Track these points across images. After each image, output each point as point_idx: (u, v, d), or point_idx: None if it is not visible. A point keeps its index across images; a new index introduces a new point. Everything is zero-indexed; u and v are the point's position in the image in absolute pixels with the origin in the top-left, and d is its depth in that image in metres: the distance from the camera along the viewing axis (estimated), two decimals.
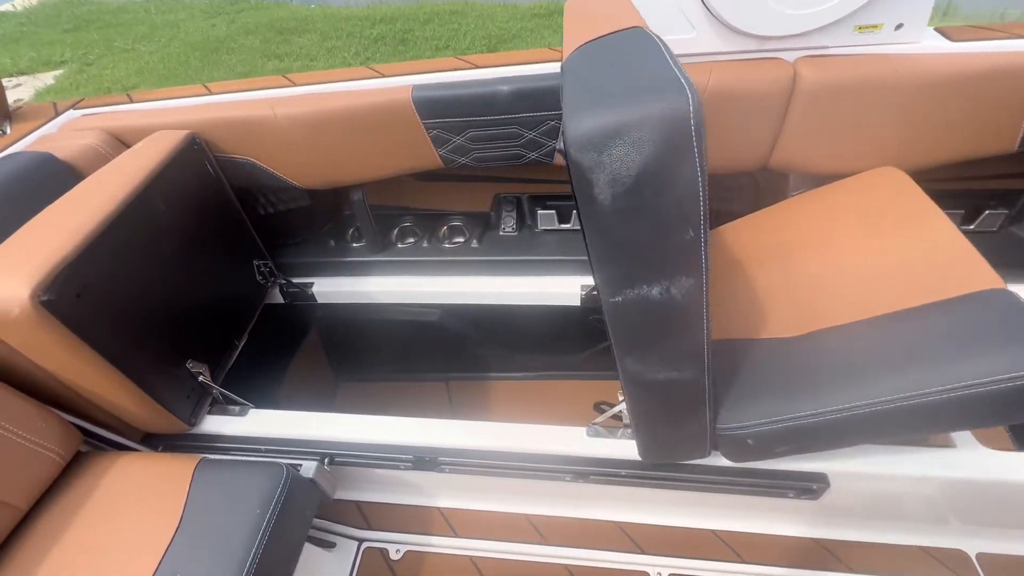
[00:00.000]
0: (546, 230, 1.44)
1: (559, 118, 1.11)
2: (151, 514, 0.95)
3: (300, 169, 1.27)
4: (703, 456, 0.94)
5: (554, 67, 1.12)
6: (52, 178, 1.10)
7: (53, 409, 1.01)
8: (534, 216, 1.45)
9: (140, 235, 1.02)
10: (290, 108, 1.18)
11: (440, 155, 1.22)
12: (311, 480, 1.07)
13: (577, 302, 1.39)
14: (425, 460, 1.12)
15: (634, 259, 0.61)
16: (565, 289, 1.38)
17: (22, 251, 0.86)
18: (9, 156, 1.12)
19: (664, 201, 0.56)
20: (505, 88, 1.09)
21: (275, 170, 1.28)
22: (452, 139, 1.19)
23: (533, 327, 1.53)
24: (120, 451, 1.13)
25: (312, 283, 1.52)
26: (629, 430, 1.03)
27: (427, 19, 5.42)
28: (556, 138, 1.15)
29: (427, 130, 1.18)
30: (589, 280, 1.37)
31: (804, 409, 0.81)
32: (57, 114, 1.30)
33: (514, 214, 1.46)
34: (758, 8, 1.02)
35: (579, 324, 1.48)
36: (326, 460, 1.16)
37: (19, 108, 1.33)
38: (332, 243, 1.53)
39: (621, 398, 0.98)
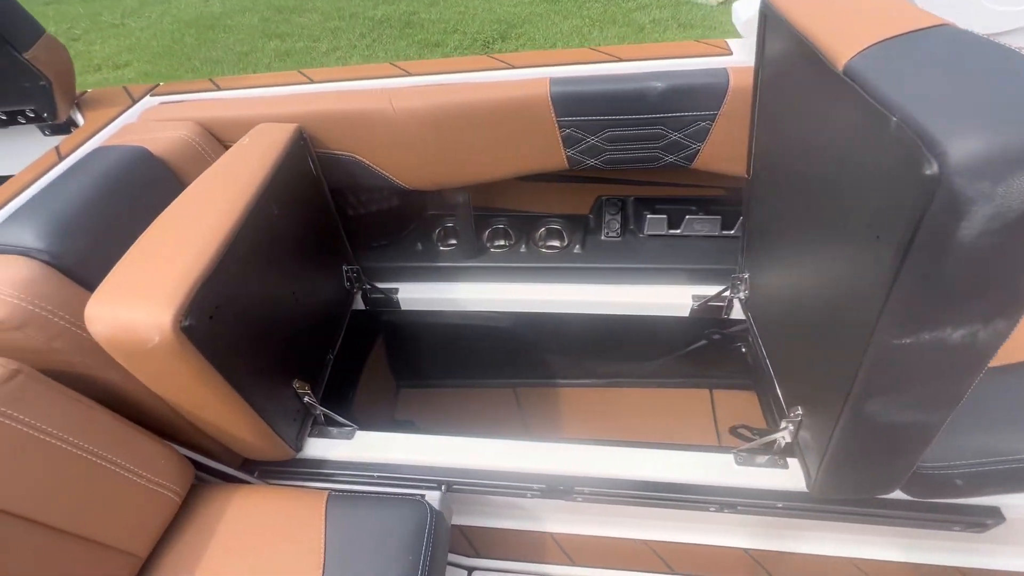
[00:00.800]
0: (653, 235, 1.37)
1: (712, 119, 1.04)
2: (289, 558, 0.86)
3: (409, 168, 1.17)
4: (888, 492, 0.90)
5: (708, 63, 1.05)
6: (150, 175, 0.98)
7: (167, 442, 0.91)
8: (639, 220, 1.38)
9: (260, 245, 0.91)
10: (410, 100, 1.07)
11: (568, 156, 1.14)
12: (440, 513, 0.99)
13: (686, 313, 1.33)
14: (558, 489, 1.05)
15: (959, 300, 0.54)
16: (673, 299, 1.32)
17: (154, 271, 0.76)
18: (103, 150, 0.98)
19: None
20: (659, 85, 1.02)
21: (380, 168, 1.17)
22: (586, 139, 1.10)
23: (633, 337, 1.47)
24: (232, 483, 1.02)
25: (397, 289, 1.42)
26: (781, 458, 0.98)
27: (432, 1, 5.21)
28: (703, 140, 1.08)
29: (560, 128, 1.09)
30: (700, 290, 1.31)
31: None
32: (133, 101, 1.15)
33: (618, 218, 1.39)
34: None
35: (686, 336, 1.42)
36: (443, 487, 1.08)
37: (83, 94, 1.17)
38: (419, 246, 1.43)
39: (785, 425, 0.93)
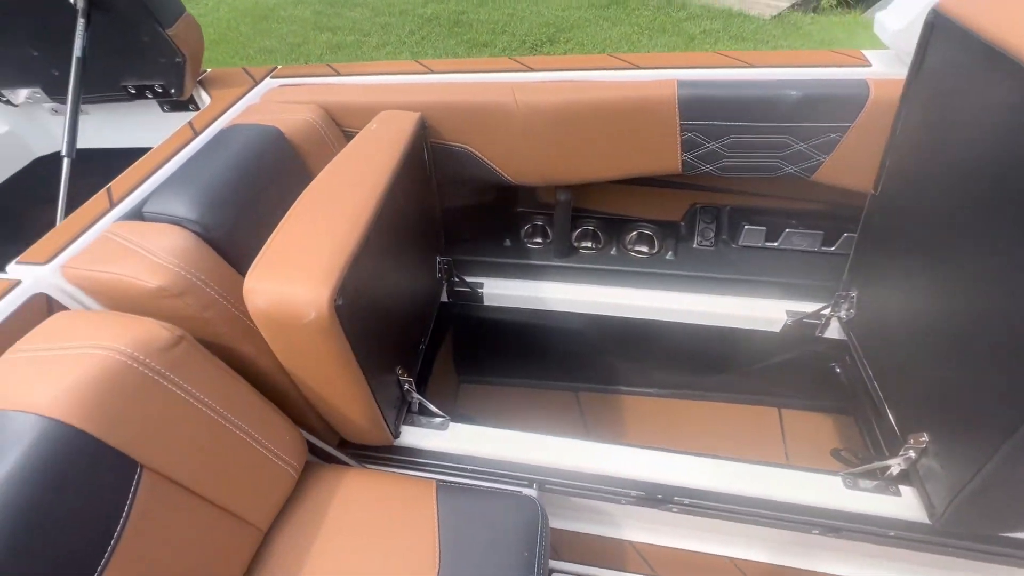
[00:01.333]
0: (748, 247, 1.35)
1: (843, 131, 1.02)
2: (404, 544, 0.86)
3: (520, 163, 1.16)
4: (1016, 531, 0.86)
5: (846, 73, 1.03)
6: (280, 154, 0.99)
7: (288, 418, 0.91)
8: (734, 230, 1.36)
9: (385, 232, 0.92)
10: (533, 95, 1.07)
11: (683, 159, 1.13)
12: (545, 511, 0.98)
13: (776, 328, 1.31)
14: (655, 498, 1.03)
15: None
16: (764, 313, 1.30)
17: (309, 250, 0.77)
18: (239, 127, 0.99)
19: None
20: (794, 93, 1.00)
21: (490, 161, 1.16)
22: (706, 144, 1.09)
23: (713, 349, 1.45)
24: (338, 465, 1.02)
25: (482, 283, 1.42)
26: (892, 485, 0.95)
27: (481, 1, 5.25)
28: (829, 152, 1.06)
29: (682, 131, 1.08)
30: (795, 306, 1.29)
31: None
32: (255, 82, 1.16)
33: (713, 226, 1.37)
34: None
35: (772, 352, 1.40)
36: (535, 485, 1.07)
37: (205, 73, 1.19)
38: (508, 242, 1.43)
39: (905, 453, 0.90)
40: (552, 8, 5.09)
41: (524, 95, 1.06)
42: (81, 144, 1.09)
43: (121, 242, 0.78)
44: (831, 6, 4.74)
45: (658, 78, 1.07)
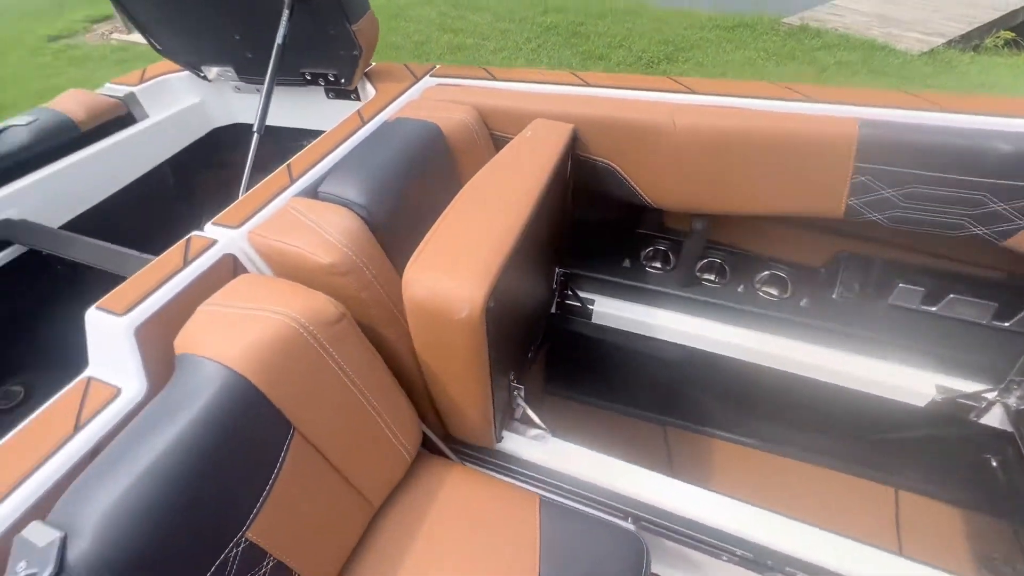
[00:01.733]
0: (899, 306, 1.21)
1: None
2: (506, 553, 0.85)
3: (665, 186, 1.12)
4: None
5: None
6: (436, 151, 1.02)
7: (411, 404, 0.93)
8: (885, 286, 1.23)
9: (530, 238, 0.91)
10: (694, 118, 1.02)
11: (848, 204, 1.03)
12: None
13: (921, 403, 1.16)
14: (764, 564, 0.94)
15: None
16: (910, 383, 1.15)
17: (468, 250, 0.78)
18: (403, 121, 1.04)
19: None
20: (1005, 147, 0.88)
21: (633, 181, 1.13)
22: (880, 191, 0.99)
23: (838, 410, 1.32)
24: (443, 459, 1.04)
25: (594, 300, 1.39)
26: None
27: (600, 14, 5.24)
28: None
29: (854, 174, 0.99)
30: (950, 382, 1.14)
31: None
32: (416, 79, 1.21)
33: (860, 278, 1.25)
34: None
35: (913, 428, 1.25)
36: (629, 518, 1.01)
37: (370, 66, 1.26)
38: (627, 262, 1.38)
39: None
40: (673, 26, 4.98)
41: (684, 118, 1.02)
42: (253, 120, 1.19)
43: (299, 216, 0.83)
44: (996, 46, 4.24)
45: (835, 114, 0.99)
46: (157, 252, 0.81)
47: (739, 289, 1.30)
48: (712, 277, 1.33)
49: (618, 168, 1.12)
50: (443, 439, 1.10)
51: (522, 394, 1.07)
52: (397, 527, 0.88)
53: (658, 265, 1.37)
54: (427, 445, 1.06)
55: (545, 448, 1.06)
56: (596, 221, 1.34)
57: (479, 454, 1.09)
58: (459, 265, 0.75)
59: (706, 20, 5.07)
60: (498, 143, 1.15)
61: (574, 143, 1.08)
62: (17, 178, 1.16)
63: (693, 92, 1.07)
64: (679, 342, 1.34)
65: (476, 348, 0.78)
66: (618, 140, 1.08)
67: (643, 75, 1.11)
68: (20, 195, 1.16)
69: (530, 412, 1.08)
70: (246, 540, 0.65)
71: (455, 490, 0.94)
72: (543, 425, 1.08)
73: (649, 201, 1.15)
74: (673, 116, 1.03)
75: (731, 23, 4.96)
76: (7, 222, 1.13)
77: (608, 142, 1.09)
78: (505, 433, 1.08)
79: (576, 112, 1.08)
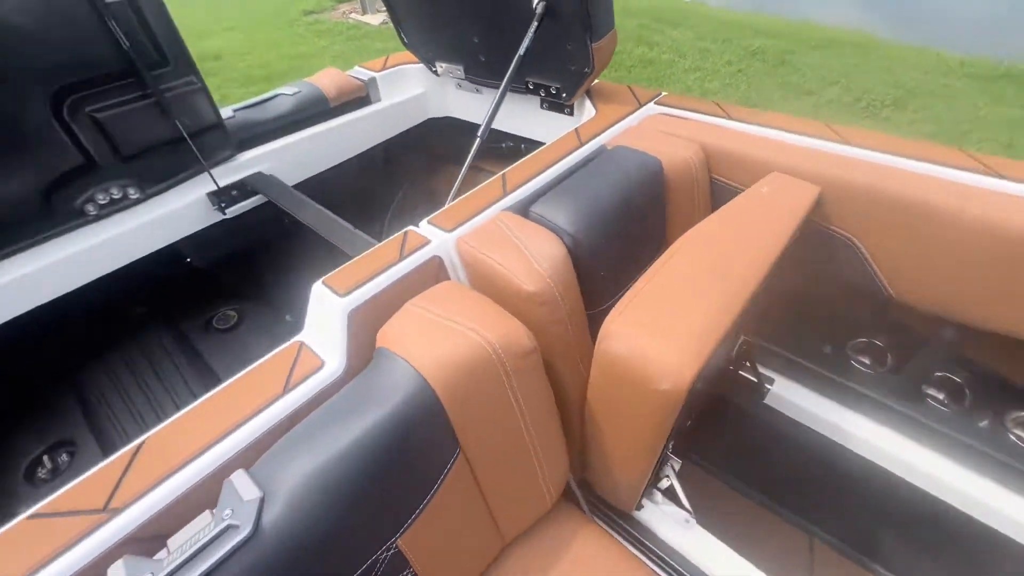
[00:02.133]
0: None
1: None
2: None
3: (920, 279, 0.91)
4: None
5: None
6: (654, 188, 0.95)
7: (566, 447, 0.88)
8: None
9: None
10: (991, 210, 0.81)
11: None
12: None
13: None
14: None
15: None
16: None
17: (685, 318, 0.70)
18: (624, 151, 0.98)
19: None
20: None
21: (876, 265, 0.94)
22: None
23: None
24: (582, 514, 0.98)
25: (773, 380, 1.21)
26: None
27: (817, 44, 4.69)
28: None
29: None
30: None
31: None
32: (639, 104, 1.15)
33: None
34: None
35: None
36: None
37: (594, 84, 1.23)
38: (828, 349, 1.18)
39: None
40: (908, 67, 4.27)
41: (977, 206, 0.81)
42: (465, 116, 1.22)
43: (507, 232, 0.82)
44: None
45: None
46: (353, 220, 0.84)
47: (981, 424, 1.03)
48: (943, 397, 1.07)
49: (860, 246, 0.94)
50: (579, 483, 1.04)
51: (676, 468, 0.97)
52: (522, 571, 0.84)
53: (867, 361, 1.15)
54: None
55: (687, 535, 0.95)
56: (807, 295, 1.16)
57: (613, 513, 1.01)
58: (670, 330, 0.67)
59: (956, 65, 4.26)
60: (717, 190, 1.04)
61: (817, 207, 0.93)
62: (276, 139, 1.34)
63: (996, 175, 0.84)
64: (871, 458, 1.11)
65: (663, 422, 0.71)
66: (871, 214, 0.90)
67: (923, 141, 0.91)
68: (275, 154, 1.34)
69: (680, 491, 0.97)
70: (395, 547, 0.66)
71: (584, 550, 0.88)
72: (689, 508, 0.97)
73: (890, 291, 0.95)
74: (962, 201, 0.82)
75: (989, 72, 4.11)
76: (259, 175, 1.32)
77: (856, 214, 0.92)
78: (645, 501, 1.00)
79: (823, 171, 0.93)
